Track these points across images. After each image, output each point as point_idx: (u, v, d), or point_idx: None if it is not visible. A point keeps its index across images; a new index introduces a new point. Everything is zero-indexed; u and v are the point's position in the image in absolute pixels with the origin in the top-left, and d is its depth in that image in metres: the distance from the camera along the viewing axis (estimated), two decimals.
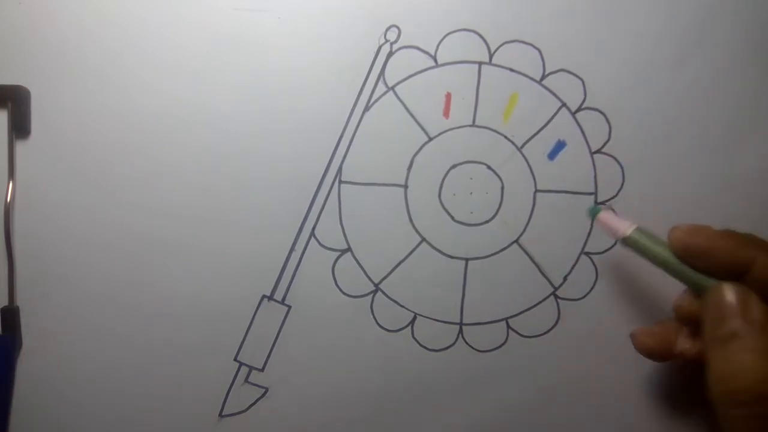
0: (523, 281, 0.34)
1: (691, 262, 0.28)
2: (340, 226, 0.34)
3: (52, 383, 0.33)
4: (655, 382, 0.35)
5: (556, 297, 0.34)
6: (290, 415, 0.34)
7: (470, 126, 0.34)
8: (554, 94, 0.34)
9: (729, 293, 0.26)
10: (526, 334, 0.34)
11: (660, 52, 0.34)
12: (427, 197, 0.34)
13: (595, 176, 0.34)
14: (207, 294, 0.34)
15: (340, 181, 0.34)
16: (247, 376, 0.34)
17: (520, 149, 0.34)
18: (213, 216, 0.34)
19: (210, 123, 0.34)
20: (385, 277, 0.34)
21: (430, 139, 0.34)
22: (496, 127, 0.34)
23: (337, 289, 0.34)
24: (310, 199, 0.34)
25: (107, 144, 0.33)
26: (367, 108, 0.34)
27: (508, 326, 0.34)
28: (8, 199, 0.33)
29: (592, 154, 0.34)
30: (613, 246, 0.34)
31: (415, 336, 0.34)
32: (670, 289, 0.29)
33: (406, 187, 0.34)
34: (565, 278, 0.34)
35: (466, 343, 0.34)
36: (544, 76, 0.34)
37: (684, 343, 0.29)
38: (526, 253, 0.34)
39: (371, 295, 0.34)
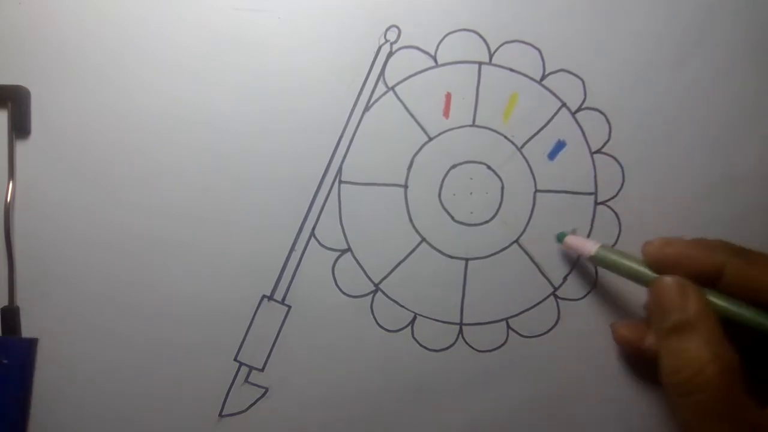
0: (523, 281, 0.34)
1: (665, 273, 0.28)
2: (340, 226, 0.34)
3: (51, 383, 0.33)
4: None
5: (556, 297, 0.34)
6: (290, 415, 0.34)
7: (470, 126, 0.34)
8: (554, 94, 0.34)
9: (667, 286, 0.27)
10: (526, 334, 0.34)
11: (660, 52, 0.34)
12: (427, 197, 0.34)
13: (595, 176, 0.34)
14: (207, 294, 0.34)
15: (340, 181, 0.34)
16: (247, 376, 0.34)
17: (520, 149, 0.34)
18: (213, 216, 0.34)
19: (210, 123, 0.34)
20: (385, 277, 0.34)
21: (430, 139, 0.34)
22: (496, 127, 0.34)
23: (337, 289, 0.34)
24: (310, 199, 0.34)
25: (107, 144, 0.33)
26: (367, 108, 0.34)
27: (508, 326, 0.34)
28: (8, 199, 0.33)
29: (592, 154, 0.34)
30: (613, 246, 0.34)
31: (415, 336, 0.34)
32: None
33: (406, 187, 0.34)
34: (565, 278, 0.34)
35: (466, 343, 0.34)
36: (544, 76, 0.34)
37: (651, 339, 0.30)
38: (526, 253, 0.34)
39: (371, 295, 0.34)
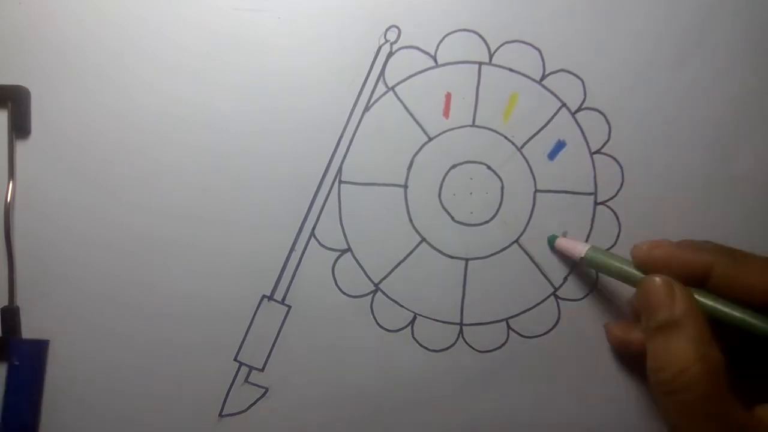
0: (523, 281, 0.34)
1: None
2: (340, 226, 0.34)
3: (51, 383, 0.33)
4: None
5: (557, 297, 0.34)
6: (290, 415, 0.34)
7: (470, 126, 0.34)
8: (554, 94, 0.34)
9: (655, 285, 0.27)
10: (526, 334, 0.34)
11: (660, 52, 0.34)
12: (427, 197, 0.34)
13: (595, 176, 0.34)
14: (207, 294, 0.34)
15: (340, 181, 0.34)
16: (247, 376, 0.34)
17: (520, 149, 0.34)
18: (213, 216, 0.34)
19: (210, 123, 0.34)
20: (385, 277, 0.34)
21: (430, 139, 0.34)
22: (496, 127, 0.34)
23: (337, 289, 0.34)
24: (310, 199, 0.34)
25: (107, 144, 0.33)
26: (367, 108, 0.34)
27: (509, 326, 0.34)
28: (8, 199, 0.33)
29: (591, 154, 0.34)
30: (613, 246, 0.34)
31: (415, 336, 0.34)
32: None
33: (406, 187, 0.34)
34: (565, 278, 0.34)
35: (466, 343, 0.34)
36: (544, 76, 0.34)
37: (637, 334, 0.31)
38: (526, 253, 0.34)
39: (371, 295, 0.34)
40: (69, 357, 0.33)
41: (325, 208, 0.34)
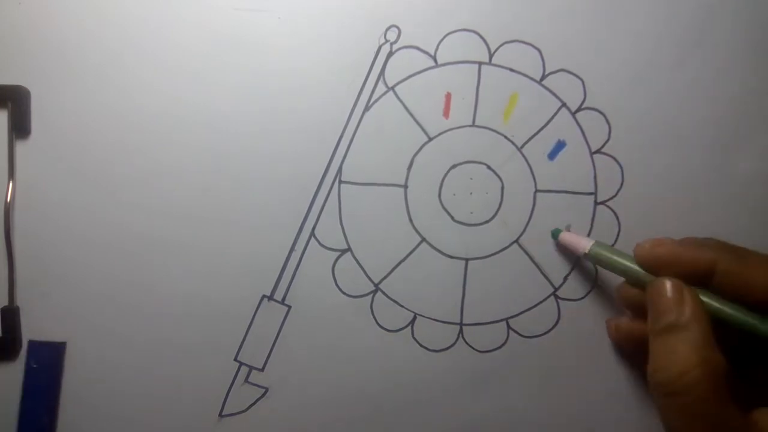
0: (523, 281, 0.34)
1: (658, 272, 0.29)
2: (340, 226, 0.34)
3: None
4: None
5: (557, 297, 0.34)
6: (290, 415, 0.34)
7: (470, 126, 0.34)
8: (554, 94, 0.34)
9: (665, 288, 0.27)
10: (526, 334, 0.34)
11: (660, 52, 0.34)
12: (427, 197, 0.34)
13: (595, 176, 0.34)
14: (207, 294, 0.34)
15: (340, 181, 0.34)
16: (247, 376, 0.34)
17: (520, 149, 0.34)
18: (213, 216, 0.34)
19: (210, 123, 0.34)
20: (385, 277, 0.34)
21: (430, 139, 0.34)
22: (496, 127, 0.34)
23: (337, 289, 0.34)
24: (310, 199, 0.34)
25: (107, 144, 0.33)
26: (367, 108, 0.34)
27: (509, 326, 0.34)
28: (8, 199, 0.33)
29: (591, 154, 0.34)
30: (613, 246, 0.34)
31: (415, 336, 0.34)
32: None
33: (406, 187, 0.34)
34: (565, 278, 0.34)
35: (466, 343, 0.34)
36: (544, 76, 0.34)
37: (625, 320, 0.32)
38: (526, 253, 0.34)
39: (371, 295, 0.34)
40: (69, 357, 0.33)
41: (325, 208, 0.34)
